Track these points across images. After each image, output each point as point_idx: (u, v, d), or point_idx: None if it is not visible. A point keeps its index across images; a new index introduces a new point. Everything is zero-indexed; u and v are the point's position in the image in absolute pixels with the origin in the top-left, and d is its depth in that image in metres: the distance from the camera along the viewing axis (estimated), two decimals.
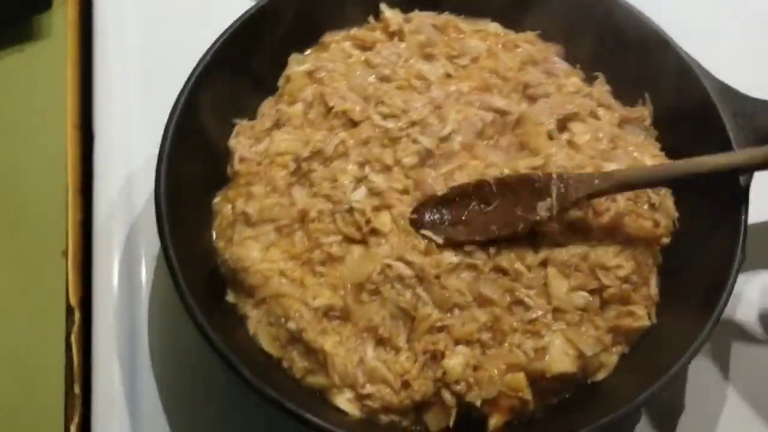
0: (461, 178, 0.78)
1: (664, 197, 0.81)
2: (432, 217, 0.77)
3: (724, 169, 0.74)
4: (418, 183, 0.78)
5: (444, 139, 0.80)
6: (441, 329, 0.73)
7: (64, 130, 0.94)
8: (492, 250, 0.75)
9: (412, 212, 0.77)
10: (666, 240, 0.80)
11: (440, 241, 0.75)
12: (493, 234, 0.75)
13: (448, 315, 0.73)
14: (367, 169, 0.79)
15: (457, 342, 0.73)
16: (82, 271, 0.87)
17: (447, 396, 0.72)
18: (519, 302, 0.74)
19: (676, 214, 0.81)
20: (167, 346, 0.82)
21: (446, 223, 0.77)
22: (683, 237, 0.80)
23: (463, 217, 0.77)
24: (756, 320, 0.85)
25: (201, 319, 0.69)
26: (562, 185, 0.75)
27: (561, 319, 0.74)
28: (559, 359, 0.72)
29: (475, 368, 0.72)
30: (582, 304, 0.74)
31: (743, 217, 0.75)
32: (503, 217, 0.76)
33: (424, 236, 0.75)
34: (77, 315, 0.85)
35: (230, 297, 0.77)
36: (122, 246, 0.86)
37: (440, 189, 0.78)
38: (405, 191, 0.78)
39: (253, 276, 0.75)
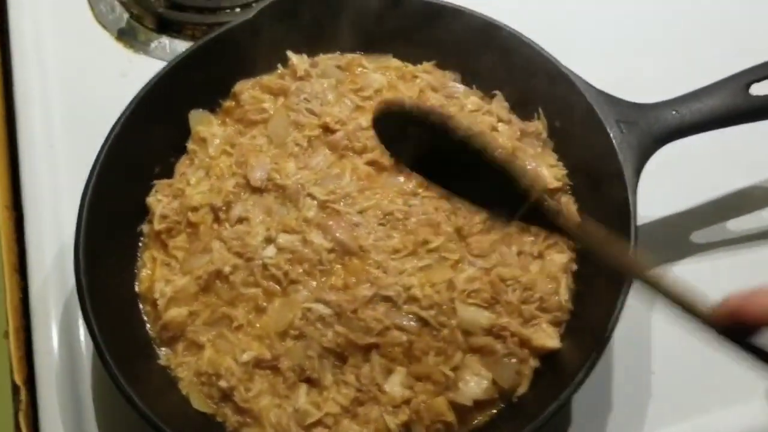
0: (369, 213, 0.82)
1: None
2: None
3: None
4: (325, 228, 0.81)
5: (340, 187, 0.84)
6: (369, 349, 0.76)
7: None
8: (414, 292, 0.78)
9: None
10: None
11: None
12: None
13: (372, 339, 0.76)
14: (273, 232, 0.81)
15: (387, 369, 0.76)
16: (25, 349, 0.89)
17: (392, 424, 0.74)
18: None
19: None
20: (115, 416, 0.83)
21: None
22: None
23: None
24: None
25: (125, 388, 0.72)
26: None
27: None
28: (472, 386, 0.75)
29: (407, 401, 0.75)
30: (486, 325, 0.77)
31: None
32: None
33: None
34: (23, 393, 0.87)
35: (162, 360, 0.80)
36: (60, 321, 0.88)
37: (352, 227, 0.81)
38: (311, 243, 0.80)
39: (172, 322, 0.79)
